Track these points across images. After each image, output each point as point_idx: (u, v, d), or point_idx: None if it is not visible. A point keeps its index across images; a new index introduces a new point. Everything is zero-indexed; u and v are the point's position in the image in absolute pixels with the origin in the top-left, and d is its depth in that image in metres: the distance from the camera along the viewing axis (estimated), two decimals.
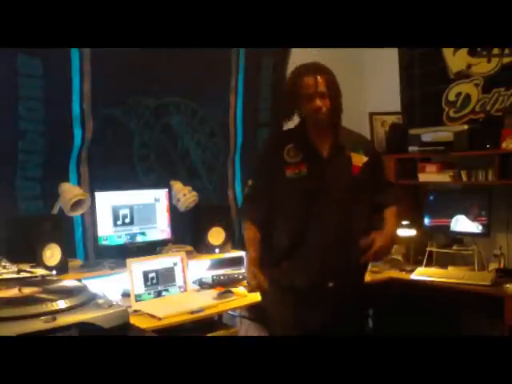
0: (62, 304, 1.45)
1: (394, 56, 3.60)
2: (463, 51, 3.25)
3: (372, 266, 2.89)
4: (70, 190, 2.45)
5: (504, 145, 2.84)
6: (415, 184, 3.31)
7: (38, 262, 2.15)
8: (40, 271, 1.90)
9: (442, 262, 3.14)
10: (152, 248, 2.72)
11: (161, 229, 2.79)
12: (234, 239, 3.07)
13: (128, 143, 2.84)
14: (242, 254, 2.94)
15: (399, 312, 2.98)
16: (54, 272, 2.17)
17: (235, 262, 2.98)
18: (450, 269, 3.06)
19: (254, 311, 2.73)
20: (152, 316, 2.20)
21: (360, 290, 2.07)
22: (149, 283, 2.46)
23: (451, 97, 3.33)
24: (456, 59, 3.29)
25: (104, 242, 2.58)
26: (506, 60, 3.07)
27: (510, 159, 2.82)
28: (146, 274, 2.45)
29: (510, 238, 3.08)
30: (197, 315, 2.27)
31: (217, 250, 2.90)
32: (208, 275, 2.75)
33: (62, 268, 2.31)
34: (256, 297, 2.29)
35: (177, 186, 2.85)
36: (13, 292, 1.54)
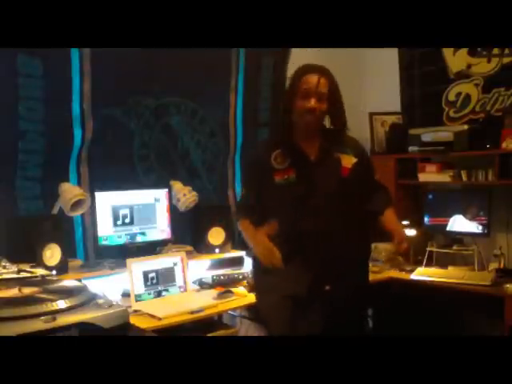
0: (61, 304, 1.45)
1: (394, 56, 3.60)
2: (463, 51, 3.25)
3: (372, 265, 2.89)
4: (70, 190, 2.45)
5: (504, 145, 2.84)
6: (415, 184, 3.31)
7: (38, 261, 2.15)
8: (40, 271, 1.90)
9: (442, 261, 3.14)
10: (152, 248, 2.72)
11: (161, 229, 2.78)
12: (234, 239, 3.06)
13: (128, 143, 2.84)
14: (241, 253, 2.94)
15: (399, 312, 2.97)
16: (54, 272, 2.17)
17: (235, 262, 2.98)
18: (450, 269, 3.06)
19: (254, 311, 2.73)
20: (152, 316, 2.20)
21: (363, 290, 2.05)
22: (149, 283, 2.46)
23: (451, 97, 3.33)
24: (456, 59, 3.29)
25: (104, 242, 2.58)
26: (505, 60, 3.07)
27: (510, 159, 2.82)
28: (146, 274, 2.45)
29: (510, 238, 3.08)
30: (197, 315, 2.26)
31: (217, 250, 2.89)
32: (208, 275, 2.75)
33: (62, 268, 2.31)
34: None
35: (177, 186, 2.85)
36: (13, 292, 1.54)
